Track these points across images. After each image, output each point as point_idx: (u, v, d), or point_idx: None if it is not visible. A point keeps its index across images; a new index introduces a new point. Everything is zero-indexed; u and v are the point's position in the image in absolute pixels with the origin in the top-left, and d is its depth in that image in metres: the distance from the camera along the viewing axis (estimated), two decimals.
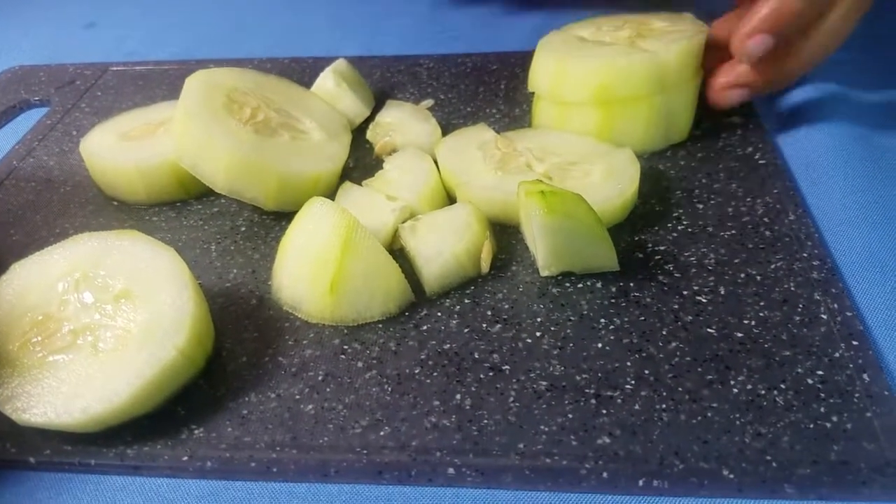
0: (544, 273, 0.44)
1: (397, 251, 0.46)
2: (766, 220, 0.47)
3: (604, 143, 0.51)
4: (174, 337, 0.37)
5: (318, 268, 0.42)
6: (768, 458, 0.35)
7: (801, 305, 0.42)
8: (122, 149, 0.52)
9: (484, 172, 0.49)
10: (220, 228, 0.51)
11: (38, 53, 0.78)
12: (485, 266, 0.45)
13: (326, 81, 0.58)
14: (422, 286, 0.44)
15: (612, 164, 0.48)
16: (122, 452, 0.37)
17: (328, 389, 0.39)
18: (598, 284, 0.44)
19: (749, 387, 0.38)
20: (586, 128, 0.52)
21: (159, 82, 0.68)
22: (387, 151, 0.55)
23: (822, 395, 0.37)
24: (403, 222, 0.47)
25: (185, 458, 0.37)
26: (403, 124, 0.56)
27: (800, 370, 0.38)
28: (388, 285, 0.43)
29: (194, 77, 0.50)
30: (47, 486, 0.37)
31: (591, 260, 0.43)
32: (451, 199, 0.50)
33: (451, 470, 0.35)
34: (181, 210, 0.53)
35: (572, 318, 0.42)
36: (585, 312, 0.42)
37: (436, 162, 0.51)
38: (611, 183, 0.47)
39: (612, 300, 0.43)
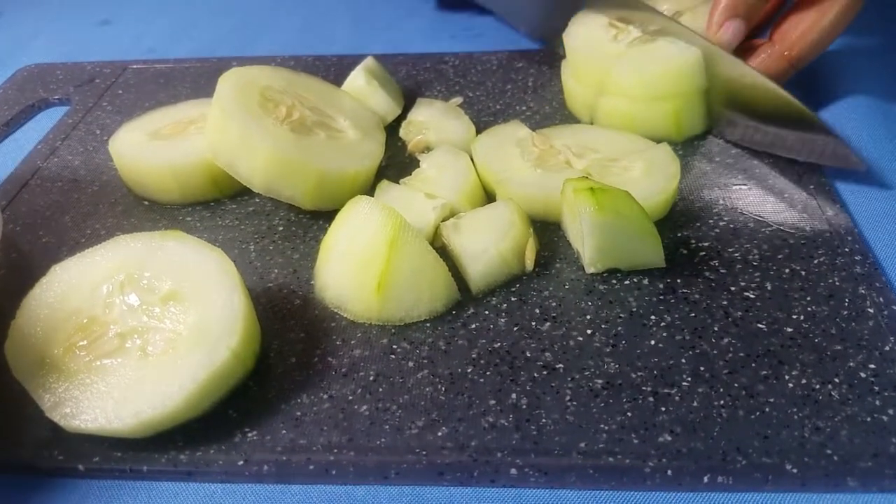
0: (590, 270, 0.44)
1: (438, 249, 0.46)
2: (804, 215, 0.47)
3: (643, 136, 0.52)
4: (227, 338, 0.37)
5: (364, 267, 0.41)
6: (829, 451, 0.35)
7: (847, 300, 0.42)
8: (153, 148, 0.52)
9: (523, 169, 0.49)
10: (258, 228, 0.50)
11: (52, 52, 0.77)
12: (529, 263, 0.45)
13: (357, 79, 0.57)
14: (466, 284, 0.44)
15: (652, 159, 0.48)
16: (175, 458, 0.36)
17: (381, 390, 0.39)
18: (645, 281, 0.44)
19: (803, 381, 0.38)
20: (658, 119, 0.53)
21: (181, 80, 0.68)
22: (420, 149, 0.54)
23: (876, 388, 0.37)
24: (444, 220, 0.46)
25: (241, 463, 0.36)
26: (437, 122, 0.55)
27: (852, 364, 0.38)
28: (434, 284, 0.42)
29: (228, 75, 0.50)
30: (97, 494, 0.36)
31: (638, 257, 0.43)
32: (488, 197, 0.50)
33: (513, 470, 0.35)
34: (215, 210, 0.52)
35: (622, 315, 0.42)
36: (635, 309, 0.42)
37: (471, 159, 0.51)
38: (652, 179, 0.47)
39: (661, 297, 0.43)
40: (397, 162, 0.55)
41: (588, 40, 0.56)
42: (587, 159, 0.49)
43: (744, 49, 0.54)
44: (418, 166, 0.52)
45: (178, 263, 0.40)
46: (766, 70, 0.54)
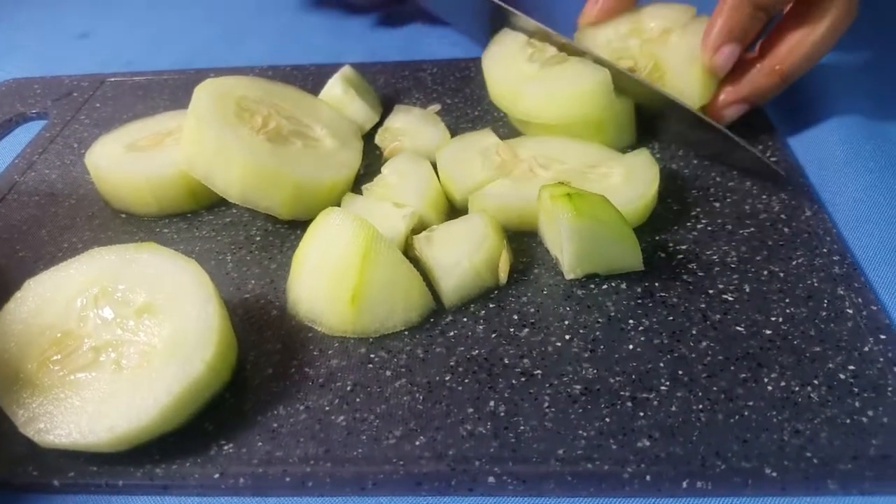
0: (570, 276, 0.44)
1: (411, 260, 0.45)
2: (783, 216, 0.48)
3: (609, 147, 0.51)
4: (201, 350, 0.37)
5: (338, 280, 0.41)
6: (808, 454, 0.34)
7: (825, 301, 0.42)
8: (130, 160, 0.51)
9: (480, 176, 0.48)
10: (234, 239, 0.50)
11: (30, 66, 0.76)
12: (503, 276, 0.44)
13: (334, 88, 0.57)
14: (440, 298, 0.43)
15: (631, 165, 0.48)
16: (151, 472, 0.36)
17: (358, 400, 0.39)
18: (623, 285, 0.43)
19: (783, 384, 0.38)
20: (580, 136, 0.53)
21: (160, 92, 0.67)
22: (395, 156, 0.54)
23: (856, 389, 0.37)
24: (416, 233, 0.46)
25: (217, 476, 0.36)
26: (413, 129, 0.55)
27: (831, 366, 0.38)
28: (409, 294, 0.42)
29: (203, 86, 0.50)
30: None
31: (617, 261, 0.43)
32: (450, 204, 0.50)
33: (491, 479, 0.35)
34: (192, 221, 0.52)
35: (600, 319, 0.42)
36: (613, 314, 0.42)
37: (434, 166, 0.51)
38: (631, 185, 0.47)
39: (639, 301, 0.43)
40: (374, 170, 0.54)
41: (503, 59, 0.56)
42: (552, 170, 0.48)
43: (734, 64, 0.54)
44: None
45: (152, 276, 0.40)
46: (756, 85, 0.53)
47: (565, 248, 0.42)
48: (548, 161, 0.50)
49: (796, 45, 0.52)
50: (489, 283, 0.44)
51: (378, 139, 0.57)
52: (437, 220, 0.48)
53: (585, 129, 0.52)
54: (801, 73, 0.53)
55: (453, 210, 0.50)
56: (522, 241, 0.47)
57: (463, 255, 0.43)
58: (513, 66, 0.55)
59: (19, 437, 0.36)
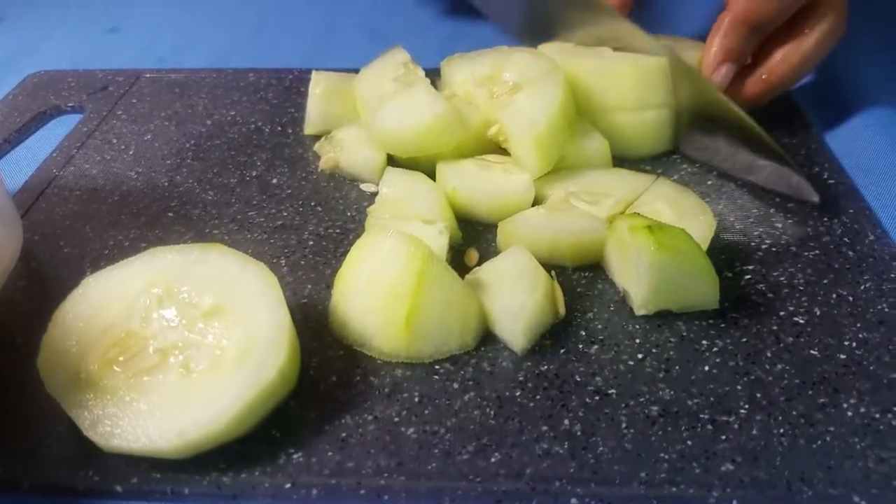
0: (640, 312, 0.42)
1: None
2: (846, 240, 0.47)
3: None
4: (274, 356, 0.35)
5: (391, 302, 0.39)
6: (895, 483, 0.34)
7: None
8: None
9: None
10: (287, 242, 0.49)
11: (59, 59, 0.75)
12: (561, 310, 0.42)
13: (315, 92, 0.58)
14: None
15: (675, 202, 0.47)
16: (218, 480, 0.35)
17: (426, 412, 0.38)
18: None
19: (862, 410, 0.37)
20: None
21: (197, 90, 0.66)
22: (329, 167, 0.54)
23: None
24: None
25: (288, 486, 0.34)
26: (355, 144, 0.54)
27: None
28: (466, 316, 0.40)
29: None
30: None
31: (693, 297, 0.41)
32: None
33: (574, 500, 0.34)
34: (242, 223, 0.50)
35: (672, 339, 0.41)
36: (685, 334, 0.41)
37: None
38: (689, 218, 0.45)
39: (711, 321, 0.42)
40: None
41: (371, 78, 0.54)
42: (593, 203, 0.47)
43: None
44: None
45: (219, 278, 0.38)
46: (743, 92, 0.55)
47: (642, 283, 0.41)
48: (587, 194, 0.48)
49: (785, 57, 0.54)
50: (550, 319, 0.42)
51: (317, 146, 0.56)
52: (454, 230, 0.47)
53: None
54: (788, 84, 0.55)
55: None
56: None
57: (525, 295, 0.41)
58: (376, 86, 0.53)
59: (79, 439, 0.35)
